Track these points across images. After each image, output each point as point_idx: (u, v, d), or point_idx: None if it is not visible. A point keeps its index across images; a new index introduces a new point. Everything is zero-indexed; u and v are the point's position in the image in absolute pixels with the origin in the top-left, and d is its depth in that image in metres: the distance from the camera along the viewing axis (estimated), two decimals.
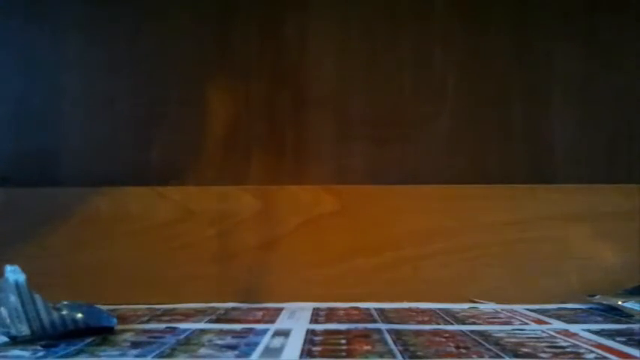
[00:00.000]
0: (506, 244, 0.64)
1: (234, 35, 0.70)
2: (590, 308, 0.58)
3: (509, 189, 0.66)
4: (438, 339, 0.42)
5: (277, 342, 0.41)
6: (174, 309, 0.58)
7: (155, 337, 0.43)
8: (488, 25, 0.70)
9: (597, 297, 0.59)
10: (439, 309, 0.57)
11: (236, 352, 0.38)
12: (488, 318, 0.52)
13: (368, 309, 0.58)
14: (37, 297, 0.42)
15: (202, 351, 0.39)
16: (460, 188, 0.66)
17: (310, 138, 0.69)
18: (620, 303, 0.55)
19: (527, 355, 0.37)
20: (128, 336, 0.44)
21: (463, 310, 0.57)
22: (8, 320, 0.42)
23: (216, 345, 0.41)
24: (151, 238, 0.65)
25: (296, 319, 0.51)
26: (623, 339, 0.42)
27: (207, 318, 0.52)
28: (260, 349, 0.39)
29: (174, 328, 0.47)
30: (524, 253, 0.64)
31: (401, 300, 0.61)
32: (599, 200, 0.65)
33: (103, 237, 0.65)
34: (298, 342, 0.41)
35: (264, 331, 0.45)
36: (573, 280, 0.63)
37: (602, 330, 0.46)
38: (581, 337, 0.43)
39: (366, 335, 0.44)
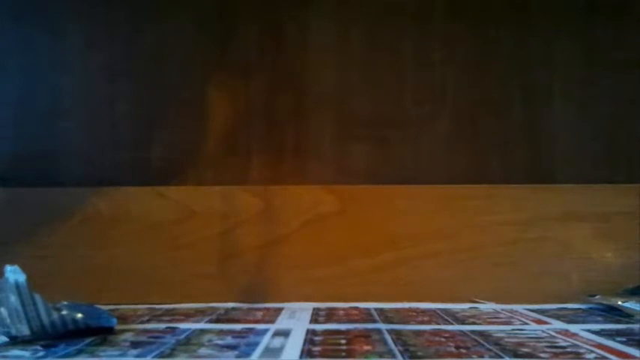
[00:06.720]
0: (506, 244, 0.64)
1: (234, 35, 0.70)
2: (590, 308, 0.58)
3: (509, 189, 0.66)
4: (438, 339, 0.42)
5: (277, 342, 0.41)
6: (174, 309, 0.58)
7: (155, 337, 0.43)
8: (488, 25, 0.70)
9: (597, 297, 0.59)
10: (439, 309, 0.57)
11: (236, 352, 0.38)
12: (488, 318, 0.52)
13: (368, 309, 0.58)
14: (37, 297, 0.42)
15: (202, 351, 0.39)
16: (460, 188, 0.66)
17: (310, 138, 0.69)
18: (620, 303, 0.55)
19: (527, 355, 0.37)
20: (128, 336, 0.44)
21: (463, 310, 0.57)
22: (8, 320, 0.42)
23: (216, 345, 0.41)
24: (151, 238, 0.65)
25: (296, 319, 0.51)
26: (623, 339, 0.42)
27: (207, 318, 0.52)
28: (260, 349, 0.39)
29: (175, 328, 0.47)
30: (524, 253, 0.64)
31: (401, 300, 0.61)
32: (599, 200, 0.65)
33: (103, 237, 0.65)
34: (298, 342, 0.41)
35: (264, 331, 0.45)
36: (573, 280, 0.63)
37: (602, 330, 0.46)
38: (581, 337, 0.43)
39: (366, 335, 0.44)
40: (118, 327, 0.45)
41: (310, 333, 0.45)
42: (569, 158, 0.68)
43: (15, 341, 0.42)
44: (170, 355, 0.38)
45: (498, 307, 0.59)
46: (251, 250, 0.64)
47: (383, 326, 0.47)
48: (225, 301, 0.62)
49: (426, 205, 0.65)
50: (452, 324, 0.49)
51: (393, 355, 0.37)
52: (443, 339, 0.42)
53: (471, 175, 0.68)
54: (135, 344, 0.41)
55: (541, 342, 0.41)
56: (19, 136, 0.69)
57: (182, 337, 0.43)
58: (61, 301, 0.44)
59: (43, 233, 0.64)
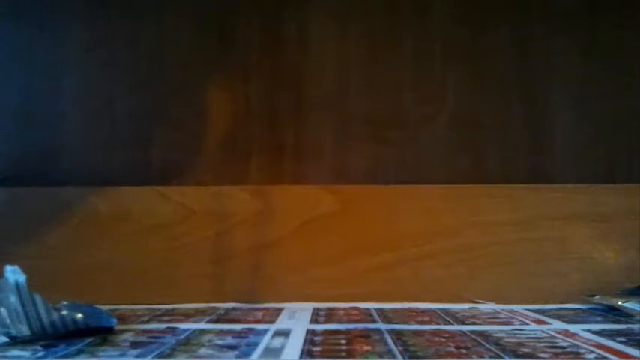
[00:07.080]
0: (506, 244, 0.64)
1: (234, 35, 0.70)
2: (590, 308, 0.58)
3: (509, 189, 0.66)
4: (438, 339, 0.42)
5: (277, 342, 0.41)
6: (174, 309, 0.58)
7: (155, 337, 0.43)
8: (488, 25, 0.70)
9: (597, 297, 0.59)
10: (439, 309, 0.57)
11: (236, 352, 0.38)
12: (488, 318, 0.52)
13: (368, 309, 0.58)
14: (37, 297, 0.42)
15: (202, 351, 0.39)
16: (460, 188, 0.66)
17: (310, 138, 0.69)
18: (620, 303, 0.55)
19: (527, 355, 0.37)
20: (128, 336, 0.44)
21: (463, 310, 0.57)
22: (8, 320, 0.42)
23: (216, 345, 0.41)
24: (151, 238, 0.65)
25: (296, 319, 0.51)
26: (623, 339, 0.42)
27: (207, 318, 0.52)
28: (260, 349, 0.39)
29: (174, 328, 0.47)
30: (524, 253, 0.64)
31: (401, 300, 0.61)
32: (599, 200, 0.65)
33: (103, 237, 0.65)
34: (298, 342, 0.41)
35: (264, 331, 0.45)
36: (573, 280, 0.63)
37: (602, 330, 0.46)
38: (581, 337, 0.43)
39: (366, 335, 0.44)
40: (118, 327, 0.45)
41: (310, 333, 0.45)
42: (569, 158, 0.68)
43: (15, 341, 0.41)
44: (170, 355, 0.38)
45: (498, 307, 0.59)
46: (251, 250, 0.64)
47: (383, 326, 0.47)
48: (225, 301, 0.62)
49: (425, 205, 0.65)
50: (452, 324, 0.49)
51: (393, 355, 0.37)
52: (443, 339, 0.42)
53: (471, 175, 0.68)
54: (135, 344, 0.41)
55: (541, 342, 0.41)
56: (19, 135, 0.69)
57: (182, 337, 0.43)
58: (61, 301, 0.44)
59: (43, 233, 0.64)
